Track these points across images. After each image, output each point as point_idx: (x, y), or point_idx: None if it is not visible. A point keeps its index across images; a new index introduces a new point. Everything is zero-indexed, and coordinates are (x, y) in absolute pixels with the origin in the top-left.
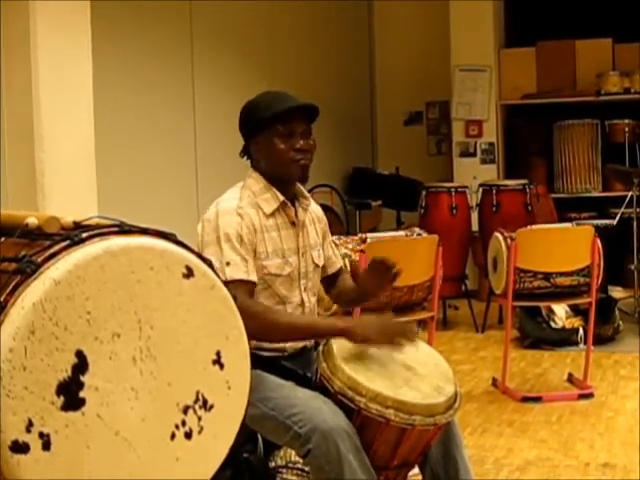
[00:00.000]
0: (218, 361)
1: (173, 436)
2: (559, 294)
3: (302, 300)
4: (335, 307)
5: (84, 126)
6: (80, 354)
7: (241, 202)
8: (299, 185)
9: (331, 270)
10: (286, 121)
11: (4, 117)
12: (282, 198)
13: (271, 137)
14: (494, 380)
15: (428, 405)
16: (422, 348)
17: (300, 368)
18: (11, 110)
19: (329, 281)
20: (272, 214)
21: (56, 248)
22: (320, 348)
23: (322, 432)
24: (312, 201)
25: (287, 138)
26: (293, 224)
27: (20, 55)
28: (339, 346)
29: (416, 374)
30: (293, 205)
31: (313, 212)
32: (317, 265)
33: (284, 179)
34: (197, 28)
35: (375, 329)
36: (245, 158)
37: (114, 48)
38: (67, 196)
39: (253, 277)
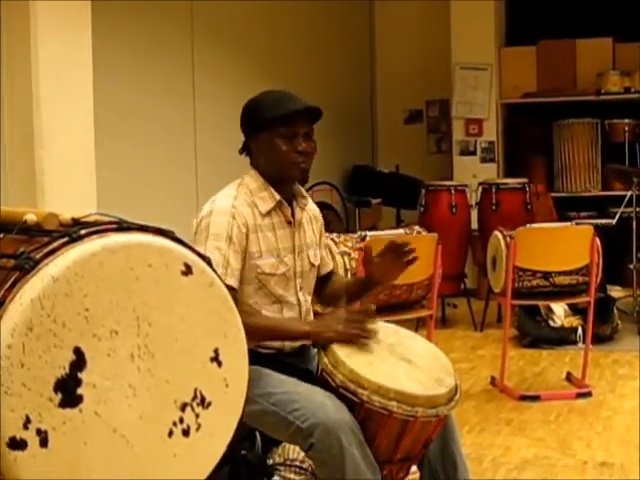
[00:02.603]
0: (216, 358)
1: (171, 433)
2: (558, 293)
3: (298, 299)
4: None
5: (84, 124)
6: (78, 351)
7: (236, 201)
8: (297, 185)
9: (323, 270)
10: (289, 123)
11: (5, 115)
12: (278, 197)
13: (273, 138)
14: (492, 379)
15: (430, 396)
16: (421, 343)
17: (300, 363)
18: (11, 108)
19: (319, 284)
20: (268, 213)
21: (55, 245)
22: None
23: (325, 426)
24: (310, 200)
25: (289, 140)
26: (289, 223)
27: (21, 53)
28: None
29: (417, 367)
30: (291, 204)
31: (310, 211)
32: (313, 265)
33: (283, 180)
34: (198, 26)
35: (335, 330)
36: (244, 155)
37: (114, 46)
38: (66, 193)
39: (231, 281)
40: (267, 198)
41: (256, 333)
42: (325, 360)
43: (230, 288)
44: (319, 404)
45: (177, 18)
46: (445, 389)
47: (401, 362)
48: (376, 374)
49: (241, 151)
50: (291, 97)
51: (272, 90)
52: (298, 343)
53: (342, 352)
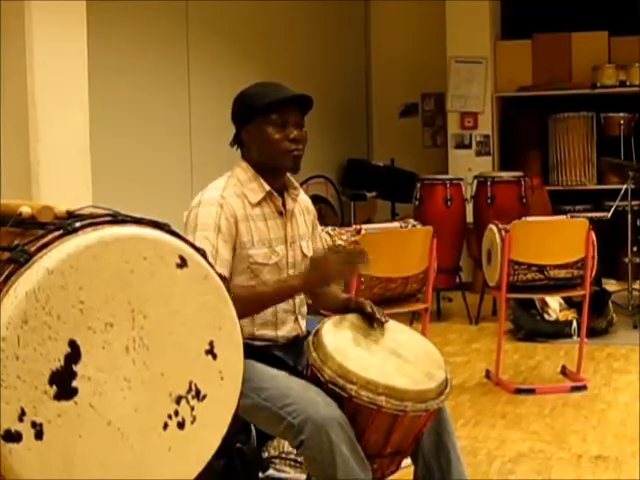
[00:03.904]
0: (211, 351)
1: (166, 426)
2: (553, 286)
3: None
4: None
5: (79, 116)
6: (73, 344)
7: (224, 192)
8: (289, 175)
9: None
10: (280, 111)
11: (0, 108)
12: (268, 188)
13: (265, 126)
14: (487, 372)
15: (419, 391)
16: (413, 336)
17: (292, 358)
18: (6, 100)
19: None
20: (258, 203)
21: (49, 237)
22: (310, 338)
23: (315, 423)
24: (302, 192)
25: (281, 128)
26: (281, 214)
27: (16, 45)
28: (329, 336)
29: (407, 361)
30: (282, 195)
31: (302, 202)
32: (306, 255)
33: (275, 169)
34: (193, 20)
35: (326, 270)
36: (235, 148)
37: (110, 38)
38: (61, 185)
39: (221, 270)
40: (257, 189)
41: (249, 305)
42: (314, 355)
43: (221, 277)
44: (310, 400)
45: (172, 13)
46: (435, 383)
47: (391, 356)
48: (365, 369)
49: (232, 143)
50: (281, 87)
51: (262, 82)
52: (293, 334)
53: (331, 347)
